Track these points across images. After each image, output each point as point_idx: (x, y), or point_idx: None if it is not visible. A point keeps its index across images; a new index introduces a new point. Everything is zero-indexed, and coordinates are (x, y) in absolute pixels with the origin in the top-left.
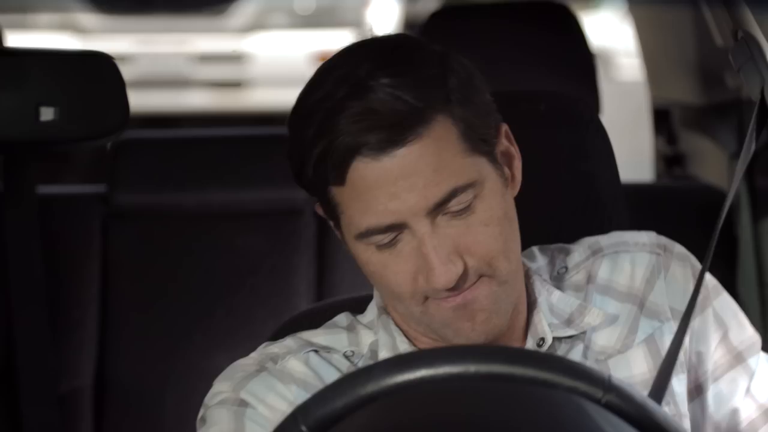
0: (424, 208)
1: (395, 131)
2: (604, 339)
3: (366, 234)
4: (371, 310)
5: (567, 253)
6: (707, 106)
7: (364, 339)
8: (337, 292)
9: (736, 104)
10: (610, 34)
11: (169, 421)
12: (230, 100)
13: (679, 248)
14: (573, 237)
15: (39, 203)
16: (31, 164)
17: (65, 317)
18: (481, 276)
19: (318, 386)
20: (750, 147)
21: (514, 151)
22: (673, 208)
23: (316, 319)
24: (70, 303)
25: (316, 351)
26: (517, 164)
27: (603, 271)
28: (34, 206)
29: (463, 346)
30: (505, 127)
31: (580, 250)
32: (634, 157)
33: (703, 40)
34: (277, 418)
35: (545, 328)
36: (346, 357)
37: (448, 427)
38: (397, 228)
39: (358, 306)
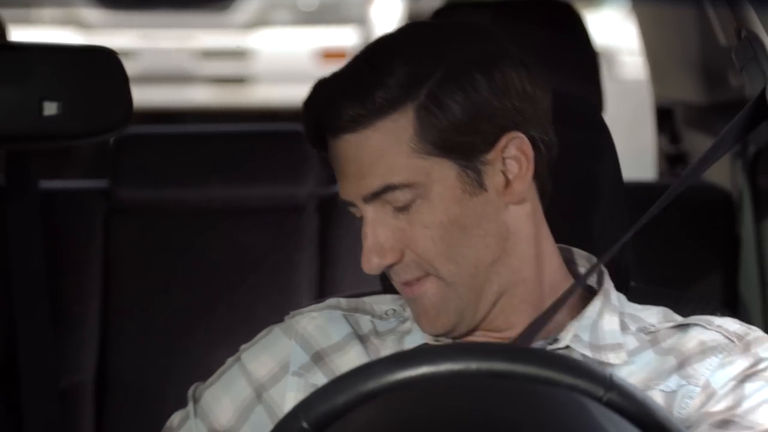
0: (359, 195)
1: (346, 118)
2: (624, 373)
3: (342, 203)
4: None
5: (661, 314)
6: (710, 105)
7: None
8: (339, 289)
9: (740, 103)
10: (614, 33)
11: (170, 416)
12: (233, 96)
13: (761, 347)
14: (574, 235)
15: (41, 198)
16: (34, 159)
17: (67, 312)
18: (427, 273)
19: (319, 344)
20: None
21: (524, 162)
22: (675, 207)
23: None
24: (72, 298)
25: (341, 310)
26: (522, 176)
27: (672, 339)
28: (37, 201)
29: (465, 343)
30: (516, 136)
31: (661, 316)
32: (637, 155)
33: (706, 39)
34: (263, 372)
35: (569, 334)
36: (377, 317)
37: (449, 424)
38: (352, 204)
39: None
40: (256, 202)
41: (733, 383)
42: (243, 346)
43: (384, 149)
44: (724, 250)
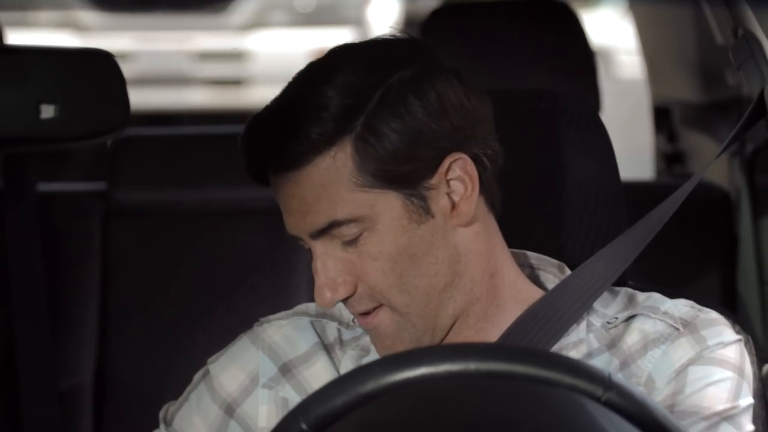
0: (306, 231)
1: (287, 157)
2: None
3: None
4: None
5: (622, 302)
6: (708, 103)
7: None
8: None
9: (737, 102)
10: (611, 32)
11: None
12: (230, 98)
13: (708, 331)
14: (572, 235)
15: (39, 200)
16: (32, 162)
17: (65, 315)
18: (380, 304)
19: (286, 355)
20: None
21: (469, 182)
22: None
23: None
24: (71, 300)
25: (309, 316)
26: (468, 196)
27: (618, 330)
28: (35, 203)
29: (464, 344)
30: (457, 158)
31: (621, 305)
32: (635, 155)
33: (703, 38)
34: (233, 387)
35: None
36: (343, 324)
37: (448, 425)
38: (298, 239)
39: None
40: (254, 203)
41: (674, 373)
42: (210, 359)
43: (325, 185)
44: (721, 248)
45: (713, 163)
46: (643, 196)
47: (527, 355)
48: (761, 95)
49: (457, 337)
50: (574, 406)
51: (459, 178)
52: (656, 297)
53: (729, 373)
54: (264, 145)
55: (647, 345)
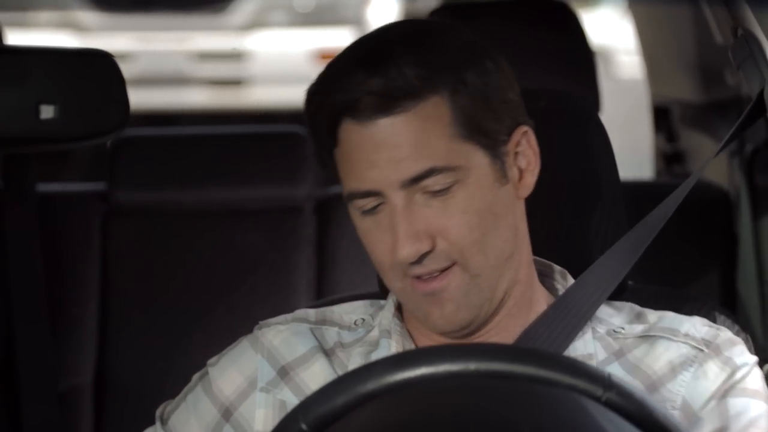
0: (399, 180)
1: (384, 101)
2: None
3: (349, 197)
4: None
5: (628, 315)
6: (707, 103)
7: (386, 313)
8: (337, 290)
9: (736, 102)
10: (610, 32)
11: None
12: (230, 98)
13: (731, 351)
14: (571, 235)
15: (39, 201)
16: (31, 162)
17: (65, 315)
18: (453, 264)
19: (284, 359)
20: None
21: (532, 156)
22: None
23: None
24: (70, 301)
25: (308, 323)
26: (532, 169)
27: (639, 351)
28: (34, 204)
29: (464, 344)
30: (526, 131)
31: (628, 317)
32: (634, 154)
33: (703, 38)
34: (230, 390)
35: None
36: (344, 328)
37: (448, 425)
38: (375, 195)
39: None
40: (253, 203)
41: (714, 402)
42: (210, 361)
43: (426, 132)
44: (721, 248)
45: (713, 163)
46: (642, 195)
47: (527, 355)
48: (760, 95)
49: (495, 316)
50: (574, 405)
51: (525, 152)
52: (670, 316)
53: (763, 407)
54: (356, 91)
55: (675, 369)
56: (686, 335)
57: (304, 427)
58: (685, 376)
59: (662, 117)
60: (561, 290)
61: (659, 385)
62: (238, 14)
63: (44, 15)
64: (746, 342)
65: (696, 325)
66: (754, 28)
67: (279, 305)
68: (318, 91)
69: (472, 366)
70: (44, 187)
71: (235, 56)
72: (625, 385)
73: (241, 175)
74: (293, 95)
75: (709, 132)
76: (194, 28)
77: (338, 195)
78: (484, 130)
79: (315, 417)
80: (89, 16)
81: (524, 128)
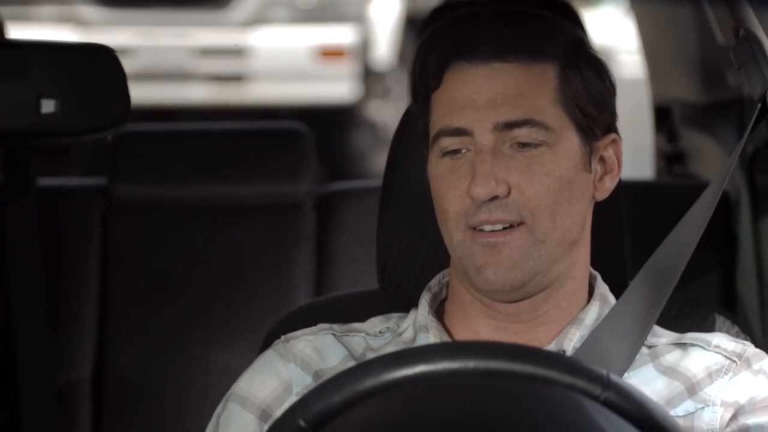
0: (494, 122)
1: (503, 48)
2: None
3: (438, 135)
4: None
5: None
6: (708, 103)
7: (409, 318)
8: (337, 287)
9: (738, 102)
10: (612, 31)
11: (168, 414)
12: (231, 94)
13: (760, 365)
14: None
15: (39, 195)
16: (32, 156)
17: (64, 310)
18: (521, 223)
19: (318, 365)
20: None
21: (616, 165)
22: (673, 206)
23: (315, 313)
24: (70, 296)
25: (333, 333)
26: (612, 176)
27: (671, 356)
28: (34, 198)
29: (463, 342)
30: (615, 138)
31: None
32: (635, 154)
33: (704, 38)
34: (265, 393)
35: (572, 343)
36: (370, 335)
37: (446, 423)
38: (464, 134)
39: (357, 301)
40: (254, 199)
41: (752, 400)
42: (234, 389)
43: (533, 86)
44: (721, 248)
45: (713, 163)
46: (643, 195)
47: (526, 353)
48: (764, 97)
49: (544, 304)
50: (573, 404)
51: (610, 157)
52: (695, 332)
53: None
54: (480, 33)
55: (711, 375)
56: (717, 346)
57: (302, 423)
58: (722, 383)
59: (663, 117)
60: (598, 289)
61: (698, 388)
62: (240, 10)
63: (46, 9)
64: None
65: (723, 339)
66: (756, 29)
67: (279, 302)
68: (439, 29)
69: (470, 364)
70: (44, 182)
71: (237, 52)
72: (623, 385)
73: (241, 171)
74: (294, 91)
75: (711, 132)
76: (196, 23)
77: (339, 192)
78: (584, 112)
79: (313, 414)
80: (91, 11)
81: (614, 136)
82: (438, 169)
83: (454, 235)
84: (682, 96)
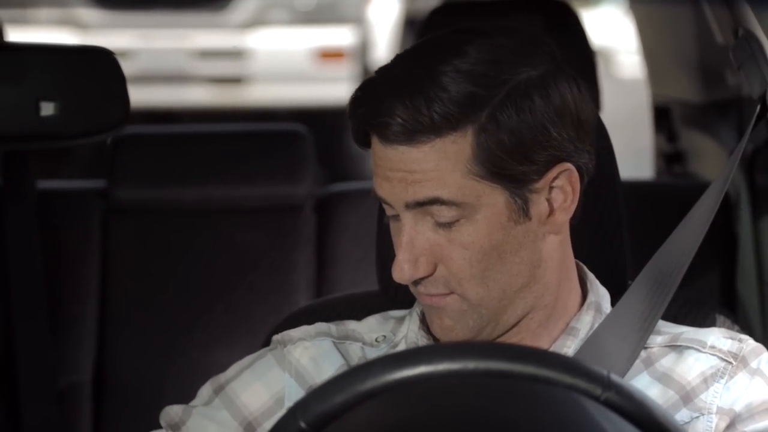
0: (405, 201)
1: (407, 131)
2: None
3: (375, 196)
4: None
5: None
6: (708, 103)
7: (404, 327)
8: (337, 289)
9: (737, 102)
10: (611, 32)
11: None
12: (230, 96)
13: (757, 363)
14: (571, 234)
15: (39, 198)
16: (31, 159)
17: (64, 312)
18: (452, 292)
19: (312, 379)
20: (744, 144)
21: (570, 194)
22: (673, 206)
23: (315, 315)
24: (70, 298)
25: (331, 339)
26: (565, 207)
27: (666, 360)
28: (34, 201)
29: (463, 343)
30: (567, 168)
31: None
32: (635, 154)
33: (703, 38)
34: (255, 406)
35: (569, 351)
36: (367, 344)
37: (447, 424)
38: (389, 205)
39: (358, 302)
40: (253, 201)
41: (749, 405)
42: (227, 373)
43: (438, 165)
44: (721, 248)
45: (713, 163)
46: (642, 195)
47: (526, 354)
48: (763, 96)
49: (514, 338)
50: (573, 405)
51: (562, 188)
52: (691, 329)
53: None
54: (382, 114)
55: (707, 380)
56: (713, 347)
57: (302, 425)
58: (717, 388)
59: (663, 117)
60: (591, 297)
61: (693, 395)
62: (239, 12)
63: (45, 12)
64: None
65: (720, 338)
66: (755, 29)
67: (279, 303)
68: (356, 101)
69: (471, 365)
70: (44, 185)
71: (236, 54)
72: (624, 385)
73: (241, 173)
74: (294, 93)
75: (710, 132)
76: (195, 25)
77: (338, 193)
78: (507, 173)
79: (314, 415)
80: (90, 14)
81: (565, 166)
82: (390, 224)
83: (411, 288)
84: (681, 96)
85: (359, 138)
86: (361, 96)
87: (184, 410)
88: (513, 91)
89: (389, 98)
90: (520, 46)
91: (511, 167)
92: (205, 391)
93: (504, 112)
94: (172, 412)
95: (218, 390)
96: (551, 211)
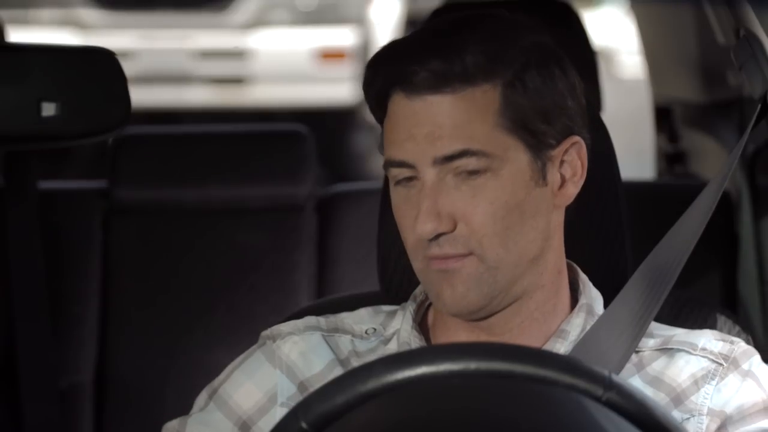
0: (432, 156)
1: (437, 79)
2: None
3: (386, 165)
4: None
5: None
6: (709, 103)
7: (395, 322)
8: (338, 289)
9: (738, 102)
10: (612, 32)
11: (170, 417)
12: (232, 97)
13: (748, 365)
14: (572, 234)
15: (40, 198)
16: (33, 160)
17: (66, 313)
18: (470, 253)
19: (303, 374)
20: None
21: (579, 168)
22: (674, 206)
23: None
24: (71, 298)
25: (321, 332)
26: (575, 181)
27: (657, 364)
28: (35, 201)
29: (464, 343)
30: (577, 141)
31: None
32: (636, 155)
33: (705, 38)
34: (249, 405)
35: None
36: (357, 336)
37: (448, 424)
38: (409, 166)
39: (359, 303)
40: (255, 202)
41: (740, 408)
42: (219, 378)
43: (469, 115)
44: (722, 248)
45: (713, 163)
46: (643, 195)
47: (527, 354)
48: (764, 97)
49: (515, 317)
50: (574, 405)
51: (571, 162)
52: (682, 331)
53: None
54: (411, 64)
55: (697, 382)
56: (704, 349)
57: (304, 425)
58: (708, 390)
59: (664, 117)
60: (583, 300)
61: (684, 397)
62: (241, 12)
63: (46, 13)
64: (747, 342)
65: (711, 340)
66: (756, 29)
67: (280, 304)
68: (377, 61)
69: (472, 365)
70: (45, 185)
71: (237, 54)
72: (625, 385)
73: (242, 173)
74: (295, 94)
75: (711, 132)
76: (196, 26)
77: (339, 194)
78: (531, 129)
79: (315, 415)
80: (91, 14)
81: (576, 138)
82: (394, 196)
83: (415, 263)
84: (682, 96)
85: (379, 101)
86: (385, 53)
87: (180, 422)
88: (534, 56)
89: (419, 49)
90: (532, 26)
91: (534, 125)
92: (201, 398)
93: (528, 73)
94: (170, 426)
95: (212, 394)
96: (563, 183)
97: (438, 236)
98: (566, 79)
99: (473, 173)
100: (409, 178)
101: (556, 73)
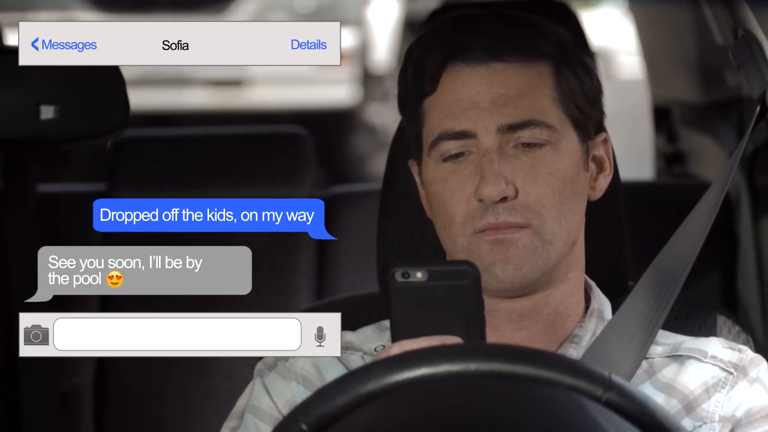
0: (497, 124)
1: (501, 47)
2: None
3: (438, 139)
4: None
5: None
6: (707, 104)
7: None
8: (338, 290)
9: (737, 102)
10: (611, 32)
11: (170, 419)
12: (230, 99)
13: (756, 372)
14: None
15: (39, 201)
16: (32, 162)
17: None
18: (528, 224)
19: (320, 382)
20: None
21: (608, 164)
22: (673, 207)
23: None
24: (71, 301)
25: None
26: (605, 175)
27: (668, 371)
28: (35, 204)
29: (464, 345)
30: (606, 138)
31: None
32: (635, 155)
33: (703, 38)
34: (274, 414)
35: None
36: (367, 354)
37: (448, 425)
38: (467, 136)
39: (358, 304)
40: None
41: (749, 413)
42: (247, 405)
43: (531, 87)
44: (722, 248)
45: (713, 163)
46: (643, 196)
47: (527, 355)
48: (763, 97)
49: (545, 307)
50: (574, 406)
51: (602, 157)
52: (689, 338)
53: None
54: (469, 34)
55: (709, 390)
56: (714, 357)
57: (304, 427)
58: (719, 398)
59: (663, 117)
60: (594, 304)
61: (695, 405)
62: (239, 14)
63: (44, 15)
64: (747, 343)
65: (720, 348)
66: (755, 29)
67: (280, 305)
68: (432, 32)
69: (472, 366)
70: (45, 188)
71: None
72: (625, 386)
73: (241, 175)
74: (294, 95)
75: (710, 132)
76: None
77: (339, 195)
78: (580, 109)
79: (315, 417)
80: (89, 17)
81: (606, 135)
82: (438, 173)
83: (459, 240)
84: (681, 96)
85: (432, 77)
86: (435, 29)
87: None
88: (582, 53)
89: (472, 22)
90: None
91: (582, 106)
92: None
93: (576, 63)
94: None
95: (241, 414)
96: (596, 176)
97: (500, 201)
98: (597, 78)
99: (532, 145)
100: (458, 154)
101: (592, 73)
